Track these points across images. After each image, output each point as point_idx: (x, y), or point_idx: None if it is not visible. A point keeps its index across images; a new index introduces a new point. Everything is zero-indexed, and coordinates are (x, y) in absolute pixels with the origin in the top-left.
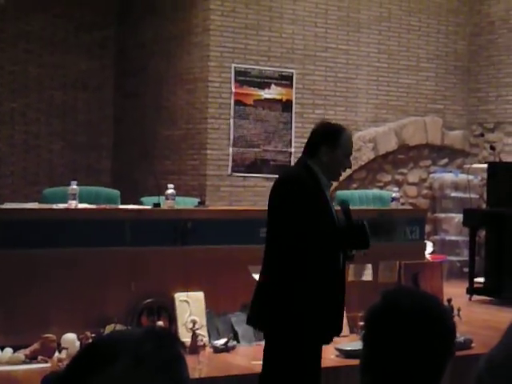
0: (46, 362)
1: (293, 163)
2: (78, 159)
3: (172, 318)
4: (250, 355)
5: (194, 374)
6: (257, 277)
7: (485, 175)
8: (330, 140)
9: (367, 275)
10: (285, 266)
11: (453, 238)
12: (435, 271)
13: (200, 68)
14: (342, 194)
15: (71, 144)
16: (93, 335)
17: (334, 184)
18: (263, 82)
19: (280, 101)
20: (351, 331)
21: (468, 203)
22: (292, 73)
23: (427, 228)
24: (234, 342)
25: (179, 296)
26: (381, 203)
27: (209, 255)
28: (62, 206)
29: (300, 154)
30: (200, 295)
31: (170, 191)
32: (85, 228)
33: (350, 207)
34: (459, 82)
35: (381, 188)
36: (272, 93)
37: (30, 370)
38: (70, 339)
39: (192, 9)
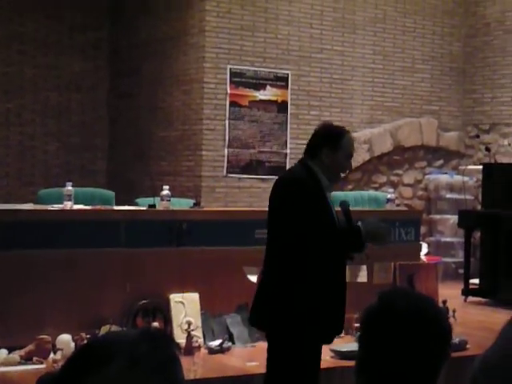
0: (41, 363)
1: (288, 164)
2: (73, 160)
3: (167, 319)
4: (244, 356)
5: (188, 375)
6: (252, 278)
7: (480, 176)
8: (331, 142)
9: (362, 276)
10: (286, 266)
11: (448, 239)
12: (430, 272)
13: (195, 69)
14: (337, 195)
15: (65, 145)
16: (88, 336)
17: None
18: (258, 83)
19: (275, 102)
20: (346, 332)
21: (463, 204)
22: (287, 74)
23: (422, 229)
24: (229, 344)
25: (174, 297)
26: (376, 204)
27: (204, 256)
28: (57, 207)
29: (295, 155)
30: (195, 296)
31: (165, 192)
32: (80, 229)
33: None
34: (454, 83)
35: (376, 189)
36: (267, 94)
37: (25, 371)
38: (65, 340)
39: (188, 10)
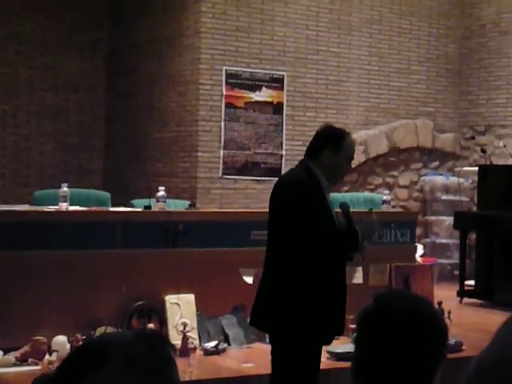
0: (37, 364)
1: (284, 165)
2: (70, 160)
3: (163, 321)
4: (240, 358)
5: (184, 376)
6: (248, 279)
7: (475, 178)
8: (333, 143)
9: (357, 278)
10: (286, 267)
11: (443, 240)
12: (426, 274)
13: (191, 70)
14: (334, 196)
15: (62, 145)
16: (83, 337)
17: None
18: (254, 85)
19: (271, 103)
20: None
21: (459, 206)
22: (283, 75)
23: (418, 231)
24: (225, 345)
25: (170, 298)
26: (372, 206)
27: (200, 257)
28: (52, 208)
29: (291, 157)
30: (191, 298)
31: (160, 193)
32: (76, 230)
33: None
34: (450, 84)
35: (372, 191)
36: (263, 95)
37: (21, 373)
38: (61, 341)
39: (183, 11)
